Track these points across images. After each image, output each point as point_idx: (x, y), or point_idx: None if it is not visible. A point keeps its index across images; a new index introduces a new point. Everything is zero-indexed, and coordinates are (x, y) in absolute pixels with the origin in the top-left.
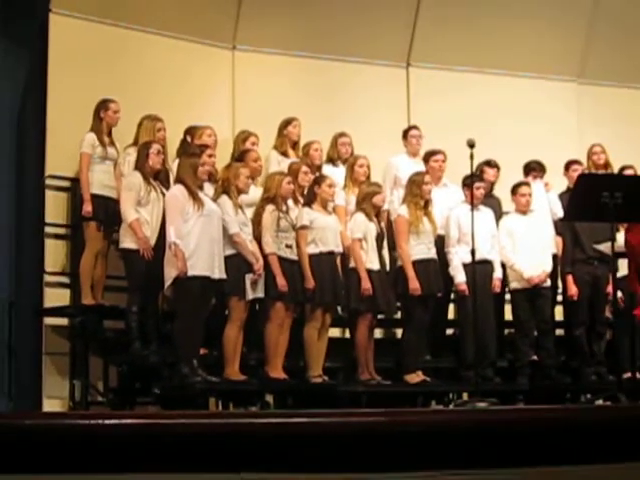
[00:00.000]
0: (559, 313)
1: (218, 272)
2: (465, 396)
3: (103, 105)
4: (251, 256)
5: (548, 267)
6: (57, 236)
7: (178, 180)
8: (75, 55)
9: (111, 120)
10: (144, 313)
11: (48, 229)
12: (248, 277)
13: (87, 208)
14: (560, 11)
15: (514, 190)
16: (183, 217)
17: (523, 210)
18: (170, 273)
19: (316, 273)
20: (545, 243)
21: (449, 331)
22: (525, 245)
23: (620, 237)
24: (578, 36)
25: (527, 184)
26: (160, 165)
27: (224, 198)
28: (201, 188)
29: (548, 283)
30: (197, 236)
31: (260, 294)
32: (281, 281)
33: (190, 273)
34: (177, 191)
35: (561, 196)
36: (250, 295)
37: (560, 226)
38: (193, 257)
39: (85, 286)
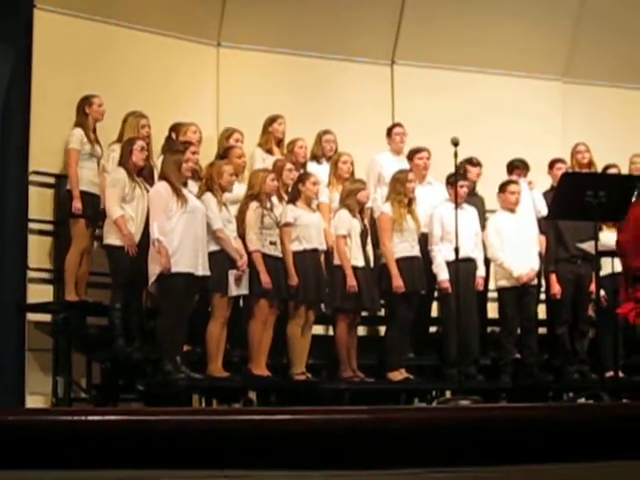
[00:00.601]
0: (542, 311)
1: (202, 269)
2: (448, 394)
3: (87, 101)
4: (234, 252)
5: (536, 265)
6: (41, 232)
7: (162, 177)
8: (59, 51)
9: (97, 114)
10: (128, 310)
11: (32, 225)
12: (231, 273)
13: (77, 205)
14: (546, 10)
15: (502, 188)
16: (167, 214)
17: (511, 208)
18: (154, 270)
19: (300, 270)
20: (531, 241)
21: (432, 329)
22: (513, 243)
23: (603, 236)
24: (564, 35)
25: (516, 182)
26: (144, 161)
27: (208, 195)
28: (185, 185)
29: (535, 281)
30: (181, 233)
31: (244, 291)
32: (265, 278)
33: (174, 270)
34: (161, 188)
35: (545, 194)
36: (234, 291)
37: (544, 225)
38: (177, 254)
39: (69, 283)
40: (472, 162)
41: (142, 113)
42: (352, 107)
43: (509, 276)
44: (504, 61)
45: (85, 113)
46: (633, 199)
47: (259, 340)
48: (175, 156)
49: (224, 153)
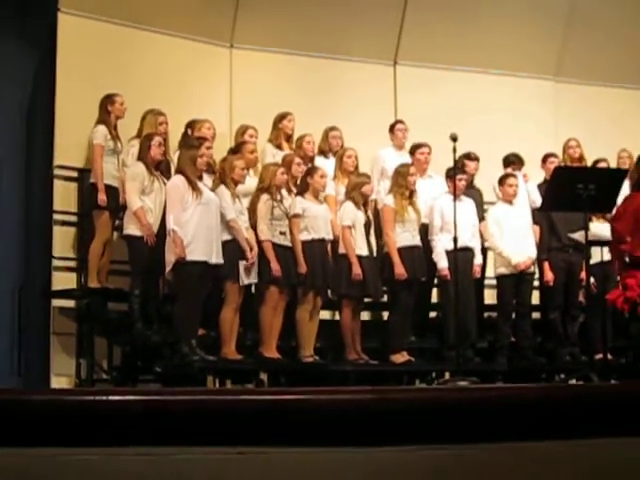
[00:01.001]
0: (535, 297)
1: (215, 257)
2: (447, 375)
3: (109, 99)
4: (245, 243)
5: (533, 254)
6: (65, 223)
7: (178, 171)
8: (82, 52)
9: (119, 112)
10: (146, 296)
11: (56, 216)
12: (242, 263)
13: (102, 197)
14: (539, 13)
15: (502, 181)
16: (182, 205)
17: (510, 200)
18: (170, 258)
19: (308, 259)
20: (527, 231)
21: (432, 314)
22: (511, 233)
23: (593, 227)
24: (555, 38)
25: (514, 175)
26: (161, 156)
27: (222, 188)
28: (200, 178)
29: (532, 269)
30: (196, 223)
31: (253, 280)
32: (275, 266)
33: (189, 258)
34: (177, 181)
35: (539, 187)
36: (244, 280)
37: (537, 215)
38: (192, 243)
39: (92, 271)
40: (470, 157)
41: (160, 111)
42: (357, 105)
43: (507, 264)
44: (499, 62)
45: (108, 111)
46: (622, 192)
47: (270, 324)
48: (190, 151)
49: (237, 148)
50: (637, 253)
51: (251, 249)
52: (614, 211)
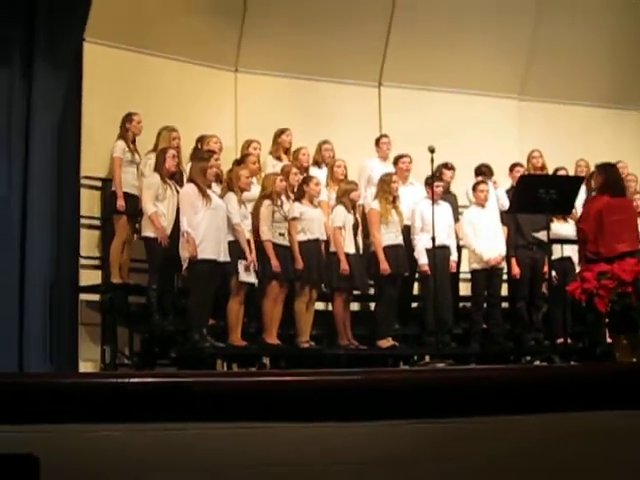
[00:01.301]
0: (504, 289)
1: (223, 256)
2: (427, 358)
3: (128, 118)
4: (246, 244)
5: (502, 251)
6: (90, 226)
7: (190, 180)
8: (105, 77)
9: (135, 129)
10: (162, 290)
11: (83, 220)
12: (241, 263)
13: (121, 203)
14: (505, 41)
15: (474, 188)
16: (194, 210)
17: (481, 204)
18: (184, 256)
19: (304, 256)
20: (497, 231)
21: (414, 304)
22: (483, 232)
23: (554, 227)
24: (520, 62)
25: (485, 182)
26: (175, 168)
27: (230, 194)
28: (209, 187)
29: (502, 264)
30: (205, 226)
31: (252, 279)
32: (275, 263)
33: (200, 257)
34: (189, 189)
35: (507, 192)
36: (243, 278)
37: (505, 217)
38: (202, 243)
39: (114, 268)
40: (447, 166)
41: (173, 127)
42: (346, 121)
43: (480, 260)
44: (472, 83)
45: (126, 127)
46: (579, 196)
47: (271, 315)
48: (201, 163)
49: (241, 159)
50: (601, 250)
51: (250, 251)
52: (579, 213)
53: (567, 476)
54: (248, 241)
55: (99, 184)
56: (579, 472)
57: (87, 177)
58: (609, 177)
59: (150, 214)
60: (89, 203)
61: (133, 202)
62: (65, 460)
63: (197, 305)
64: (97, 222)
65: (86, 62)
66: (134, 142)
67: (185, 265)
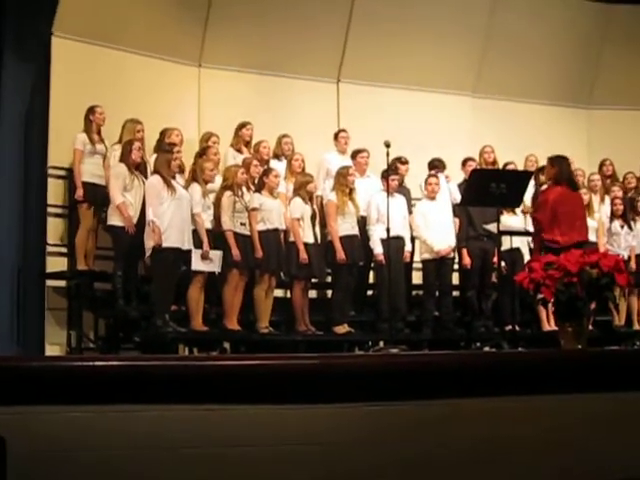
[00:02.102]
0: (456, 278)
1: (187, 244)
2: (381, 344)
3: (91, 110)
4: (204, 234)
5: (452, 242)
6: (57, 215)
7: (155, 171)
8: (72, 70)
9: (99, 121)
10: (127, 277)
11: (50, 209)
12: (197, 252)
13: (79, 193)
14: (459, 39)
15: (425, 181)
16: (159, 200)
17: (432, 196)
18: (149, 244)
19: (264, 245)
20: (448, 223)
21: (369, 292)
22: (434, 224)
23: (504, 219)
24: (473, 59)
25: (435, 176)
26: (140, 159)
27: (195, 185)
28: (174, 178)
29: (452, 255)
30: (170, 215)
31: (207, 268)
32: (235, 252)
33: (165, 245)
34: (154, 180)
35: (459, 186)
36: (197, 266)
37: (457, 210)
38: (167, 232)
39: (80, 255)
40: (401, 160)
41: (138, 120)
42: (306, 116)
43: (431, 250)
44: (427, 81)
45: (90, 119)
46: (529, 189)
47: (231, 301)
48: (166, 155)
49: (202, 152)
50: (558, 239)
51: (209, 241)
52: (528, 206)
53: (511, 457)
54: (207, 231)
55: (65, 174)
56: (524, 454)
57: (54, 167)
58: (562, 169)
59: (118, 204)
60: (56, 192)
61: (98, 191)
62: (31, 441)
63: (160, 291)
64: (63, 211)
65: (54, 55)
66: (99, 133)
67: (149, 253)
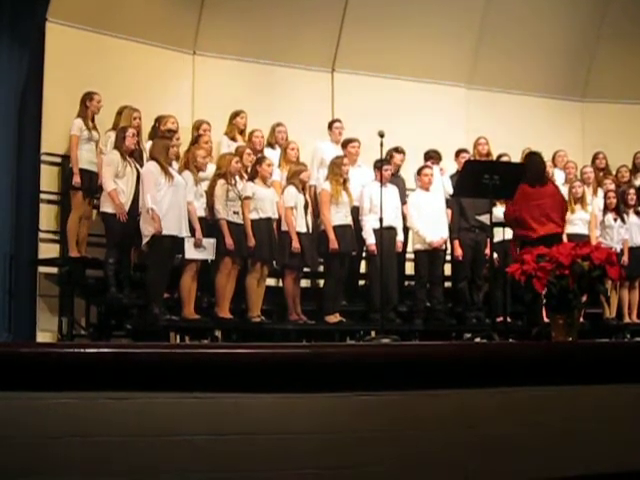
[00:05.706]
0: (448, 270)
1: (184, 231)
2: (373, 333)
3: (88, 96)
4: (196, 224)
5: (445, 234)
6: (49, 201)
7: (152, 158)
8: (66, 56)
9: (95, 109)
10: (119, 264)
11: (42, 196)
12: (189, 240)
13: (76, 179)
14: (454, 29)
15: (419, 172)
16: (157, 187)
17: (426, 187)
18: (147, 231)
19: (256, 234)
20: (441, 214)
21: (361, 282)
22: (427, 215)
23: (496, 210)
24: (468, 50)
25: (430, 167)
26: (134, 146)
27: (187, 173)
28: (170, 165)
29: (444, 246)
30: (168, 203)
31: (198, 256)
32: (228, 240)
33: (163, 232)
34: (152, 167)
35: (452, 177)
36: (190, 254)
37: (450, 201)
38: (164, 219)
39: (72, 242)
40: (397, 150)
41: (134, 107)
42: (300, 105)
43: (423, 241)
44: (421, 71)
45: (86, 106)
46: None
47: (223, 289)
48: (164, 141)
49: (194, 140)
50: (527, 233)
51: (202, 229)
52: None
53: (501, 447)
54: (200, 219)
55: (58, 160)
56: (517, 442)
57: (47, 153)
58: (527, 166)
59: (110, 191)
60: (49, 179)
61: (91, 178)
62: (21, 427)
63: (157, 279)
64: (56, 197)
65: (48, 41)
66: (93, 120)
67: (146, 240)
